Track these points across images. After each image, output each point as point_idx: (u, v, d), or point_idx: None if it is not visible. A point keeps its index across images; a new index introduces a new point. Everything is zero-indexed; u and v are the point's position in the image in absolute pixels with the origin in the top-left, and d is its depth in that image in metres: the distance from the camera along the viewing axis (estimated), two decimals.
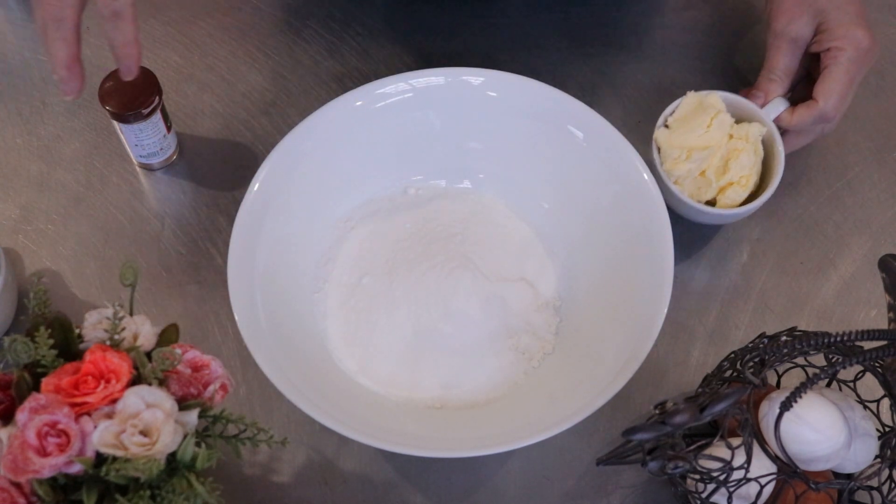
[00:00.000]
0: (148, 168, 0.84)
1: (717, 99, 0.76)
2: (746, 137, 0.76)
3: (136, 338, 0.59)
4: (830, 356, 0.65)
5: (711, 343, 0.77)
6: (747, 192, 0.76)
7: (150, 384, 0.56)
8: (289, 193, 0.75)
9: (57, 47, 0.64)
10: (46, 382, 0.55)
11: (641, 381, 0.74)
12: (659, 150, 0.77)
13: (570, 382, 0.70)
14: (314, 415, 0.64)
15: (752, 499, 0.63)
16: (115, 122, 0.79)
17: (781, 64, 0.78)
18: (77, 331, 0.59)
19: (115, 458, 0.53)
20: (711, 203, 0.77)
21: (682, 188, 0.76)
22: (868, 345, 0.59)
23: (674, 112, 0.78)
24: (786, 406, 0.58)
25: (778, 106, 0.78)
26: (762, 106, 0.78)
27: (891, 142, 0.86)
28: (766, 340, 0.67)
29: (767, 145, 0.77)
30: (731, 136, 0.76)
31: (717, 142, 0.75)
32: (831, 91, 0.75)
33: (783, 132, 0.78)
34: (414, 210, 0.79)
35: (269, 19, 0.92)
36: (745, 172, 0.75)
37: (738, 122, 0.77)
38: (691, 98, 0.77)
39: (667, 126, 0.77)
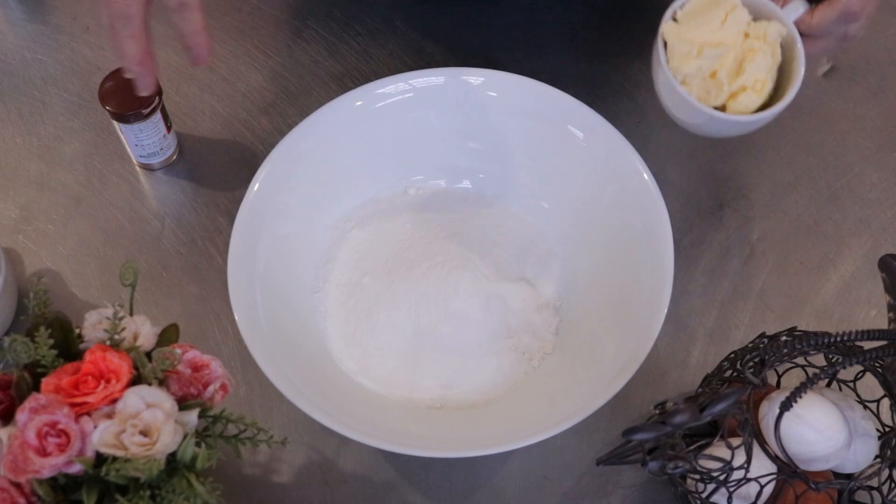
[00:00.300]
0: (148, 168, 0.84)
1: None
2: (764, 37, 0.68)
3: (136, 338, 0.59)
4: (830, 356, 0.65)
5: (711, 343, 0.77)
6: (762, 98, 0.69)
7: (150, 384, 0.56)
8: (289, 193, 0.75)
9: (127, 45, 0.63)
10: (46, 382, 0.55)
11: (641, 381, 0.74)
12: (665, 45, 0.69)
13: (570, 382, 0.70)
14: (314, 415, 0.64)
15: (752, 499, 0.63)
16: (115, 122, 0.79)
17: None
18: (77, 331, 0.59)
19: (115, 458, 0.53)
20: (721, 110, 0.70)
21: (688, 89, 0.69)
22: (868, 345, 0.59)
23: (684, 5, 0.69)
24: (786, 406, 0.58)
25: (797, 7, 0.69)
26: (782, 6, 0.69)
27: (891, 142, 0.86)
28: (766, 340, 0.67)
29: (786, 49, 0.70)
30: (746, 35, 0.68)
31: (732, 39, 0.67)
32: None
33: (804, 38, 0.69)
34: (414, 210, 0.79)
35: (269, 19, 0.92)
36: (760, 76, 0.68)
37: (755, 20, 0.69)
38: None
39: (675, 20, 0.69)
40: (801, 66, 0.68)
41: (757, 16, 0.70)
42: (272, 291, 0.71)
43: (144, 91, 0.65)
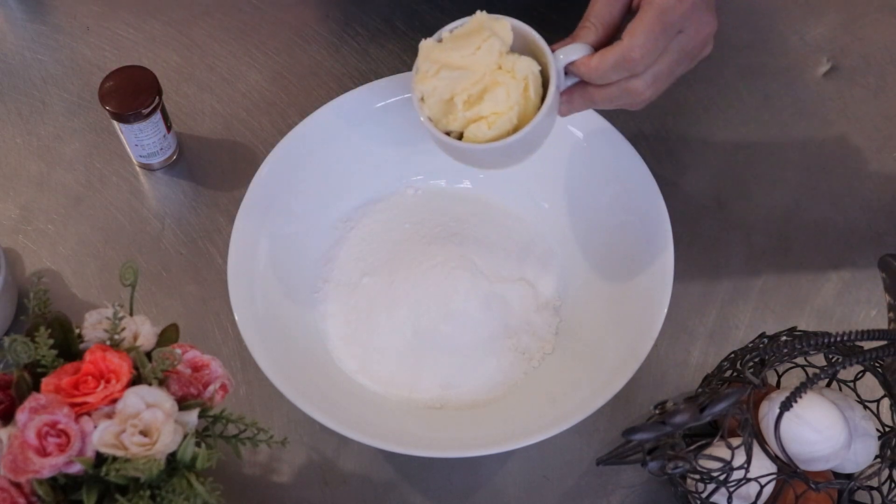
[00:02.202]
0: (148, 168, 0.84)
1: (503, 24, 0.64)
2: (513, 71, 0.63)
3: (136, 338, 0.59)
4: (830, 356, 0.65)
5: (711, 343, 0.77)
6: (494, 132, 0.64)
7: (150, 384, 0.56)
8: (289, 193, 0.75)
9: None
10: (46, 382, 0.55)
11: (641, 381, 0.74)
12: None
13: (570, 382, 0.70)
14: (314, 415, 0.64)
15: (752, 499, 0.63)
16: (115, 122, 0.79)
17: (598, 10, 0.65)
18: (77, 331, 0.59)
19: (115, 458, 0.53)
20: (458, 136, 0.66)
21: (426, 108, 0.65)
22: (868, 345, 0.59)
23: (454, 29, 0.66)
24: (786, 406, 0.58)
25: (578, 50, 0.64)
26: (555, 50, 0.64)
27: (891, 142, 0.86)
28: (766, 340, 0.67)
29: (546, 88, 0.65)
30: (499, 67, 0.64)
31: (479, 67, 0.63)
32: (638, 29, 0.62)
33: (589, 85, 0.65)
34: (414, 210, 0.79)
35: (269, 19, 0.92)
36: (499, 109, 0.64)
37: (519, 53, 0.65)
38: (480, 18, 0.65)
39: (440, 40, 0.66)
40: (544, 108, 0.63)
41: (528, 51, 0.66)
42: (272, 291, 0.71)
43: None
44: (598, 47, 0.64)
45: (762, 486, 0.62)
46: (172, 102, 0.87)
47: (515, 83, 0.63)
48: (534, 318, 0.75)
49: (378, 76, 0.77)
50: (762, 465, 0.61)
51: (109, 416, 0.54)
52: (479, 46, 0.63)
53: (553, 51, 0.64)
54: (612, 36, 0.65)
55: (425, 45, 0.65)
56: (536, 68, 0.64)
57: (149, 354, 0.58)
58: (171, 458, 0.55)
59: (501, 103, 0.63)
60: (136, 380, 0.56)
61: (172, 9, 0.93)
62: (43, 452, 0.53)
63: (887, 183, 0.85)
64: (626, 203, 0.73)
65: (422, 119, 0.65)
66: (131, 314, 0.60)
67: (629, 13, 0.65)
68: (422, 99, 0.65)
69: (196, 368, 0.60)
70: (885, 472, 0.65)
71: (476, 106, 0.64)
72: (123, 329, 0.58)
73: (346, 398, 0.70)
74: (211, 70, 0.89)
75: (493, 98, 0.63)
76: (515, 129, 0.64)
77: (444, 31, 0.66)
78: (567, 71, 0.64)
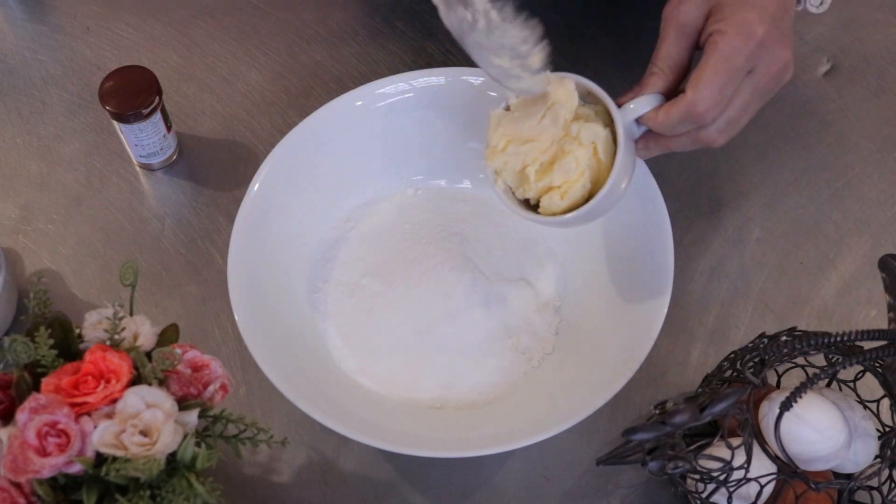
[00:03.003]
0: (148, 168, 0.84)
1: (567, 89, 0.64)
2: (579, 139, 0.63)
3: (136, 338, 0.59)
4: (830, 356, 0.65)
5: (711, 343, 0.77)
6: (567, 202, 0.64)
7: (150, 384, 0.56)
8: (289, 193, 0.75)
9: None
10: (46, 382, 0.55)
11: (641, 381, 0.74)
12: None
13: (570, 382, 0.70)
14: (314, 415, 0.64)
15: (752, 499, 0.63)
16: (115, 122, 0.79)
17: (665, 53, 0.63)
18: (77, 331, 0.59)
19: (115, 458, 0.53)
20: (536, 205, 0.66)
21: (499, 180, 0.66)
22: (868, 345, 0.59)
23: (522, 93, 0.66)
24: (786, 406, 0.58)
25: (646, 103, 0.63)
26: (623, 103, 0.64)
27: (891, 142, 0.86)
28: (766, 340, 0.67)
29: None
30: (566, 134, 0.64)
31: (547, 136, 0.63)
32: (703, 81, 0.60)
33: (658, 135, 0.65)
34: (414, 210, 0.79)
35: (269, 19, 0.92)
36: (569, 178, 0.64)
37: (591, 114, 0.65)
38: (545, 80, 0.64)
39: (508, 108, 0.67)
40: (615, 172, 0.62)
41: (595, 103, 0.65)
42: (272, 291, 0.71)
43: None
44: (668, 93, 0.63)
45: (762, 486, 0.62)
46: (172, 102, 0.87)
47: (584, 149, 0.63)
48: (534, 318, 0.75)
49: (378, 76, 0.77)
50: (762, 465, 0.61)
51: (109, 416, 0.54)
52: (544, 115, 0.63)
53: (620, 105, 0.63)
54: (681, 78, 0.64)
55: (494, 115, 0.66)
56: (602, 133, 0.63)
57: (149, 354, 0.58)
58: (171, 458, 0.55)
59: (572, 171, 0.63)
60: (136, 380, 0.56)
61: (172, 9, 0.93)
62: (43, 452, 0.53)
63: (887, 183, 0.85)
64: (626, 203, 0.73)
65: (497, 193, 0.66)
66: (131, 314, 0.60)
67: (698, 49, 0.63)
68: (496, 172, 0.66)
69: (196, 368, 0.60)
70: (885, 472, 0.65)
71: (547, 176, 0.64)
72: (123, 329, 0.58)
73: (346, 398, 0.70)
74: (211, 70, 0.89)
75: (563, 168, 0.63)
76: (591, 192, 0.64)
77: (511, 98, 0.66)
78: (638, 120, 0.64)
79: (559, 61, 0.89)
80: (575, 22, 0.92)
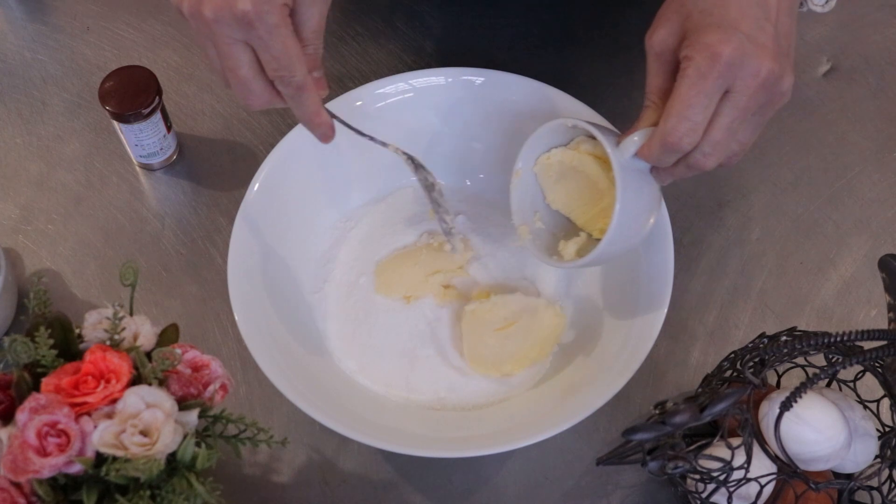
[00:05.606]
0: (148, 168, 0.84)
1: (587, 152, 0.68)
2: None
3: (136, 338, 0.59)
4: (830, 356, 0.65)
5: (711, 343, 0.77)
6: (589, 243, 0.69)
7: (150, 384, 0.56)
8: (288, 193, 0.75)
9: (300, 107, 0.62)
10: (46, 382, 0.55)
11: (641, 381, 0.74)
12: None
13: (571, 382, 0.70)
14: (314, 415, 0.64)
15: (752, 499, 0.63)
16: (115, 122, 0.79)
17: (654, 85, 0.62)
18: (77, 331, 0.59)
19: (115, 458, 0.53)
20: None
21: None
22: (868, 345, 0.59)
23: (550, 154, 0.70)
24: (786, 406, 0.58)
25: (634, 142, 0.62)
26: (622, 139, 0.63)
27: (891, 142, 0.86)
28: (766, 340, 0.67)
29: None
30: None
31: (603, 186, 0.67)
32: (671, 110, 0.58)
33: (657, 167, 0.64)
34: (414, 210, 0.79)
35: None
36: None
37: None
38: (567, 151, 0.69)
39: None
40: (615, 213, 0.63)
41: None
42: (272, 291, 0.71)
43: (327, 142, 0.65)
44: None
45: (762, 486, 0.62)
46: (172, 102, 0.87)
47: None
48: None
49: (378, 76, 0.77)
50: (762, 465, 0.61)
51: (109, 416, 0.54)
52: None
53: (619, 142, 0.63)
54: None
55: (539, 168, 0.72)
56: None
57: (149, 354, 0.58)
58: (171, 458, 0.55)
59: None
60: (136, 380, 0.56)
61: (172, 9, 0.92)
62: (43, 452, 0.53)
63: (887, 183, 0.85)
64: None
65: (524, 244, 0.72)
66: (131, 314, 0.60)
67: None
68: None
69: (196, 368, 0.60)
70: (885, 472, 0.65)
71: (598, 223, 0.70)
72: (123, 329, 0.58)
73: (346, 398, 0.70)
74: (211, 70, 0.89)
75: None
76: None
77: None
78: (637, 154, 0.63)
79: (556, 62, 0.90)
80: (575, 23, 0.91)
